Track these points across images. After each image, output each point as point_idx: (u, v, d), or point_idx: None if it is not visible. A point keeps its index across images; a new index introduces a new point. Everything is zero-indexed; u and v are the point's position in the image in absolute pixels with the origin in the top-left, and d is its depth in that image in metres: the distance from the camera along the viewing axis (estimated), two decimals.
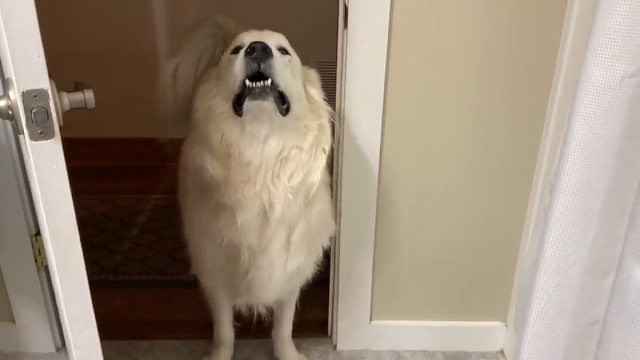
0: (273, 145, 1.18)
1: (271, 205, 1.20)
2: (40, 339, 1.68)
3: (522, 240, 1.62)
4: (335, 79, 1.48)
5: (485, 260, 1.66)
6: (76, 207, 0.83)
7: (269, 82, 1.11)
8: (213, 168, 1.18)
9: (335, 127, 1.49)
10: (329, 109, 1.27)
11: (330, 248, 1.53)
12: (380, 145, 1.48)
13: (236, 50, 1.19)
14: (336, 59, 1.46)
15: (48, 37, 0.78)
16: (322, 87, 1.32)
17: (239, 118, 1.16)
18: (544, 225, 1.19)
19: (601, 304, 1.10)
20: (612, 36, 0.96)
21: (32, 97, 0.74)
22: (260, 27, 1.30)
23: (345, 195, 1.54)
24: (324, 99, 1.28)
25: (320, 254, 1.42)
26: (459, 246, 1.64)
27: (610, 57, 0.96)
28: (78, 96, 0.82)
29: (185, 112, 1.62)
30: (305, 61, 2.56)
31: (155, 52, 2.56)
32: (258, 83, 1.11)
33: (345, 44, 1.37)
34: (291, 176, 1.19)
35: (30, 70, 0.74)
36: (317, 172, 1.23)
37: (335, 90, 1.48)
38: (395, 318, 1.73)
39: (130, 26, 2.54)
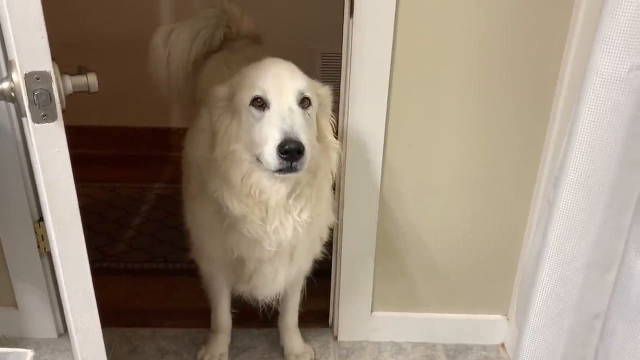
0: (289, 186, 1.21)
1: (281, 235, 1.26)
2: (42, 325, 1.69)
3: (526, 234, 1.61)
4: (340, 71, 1.47)
5: (487, 253, 1.65)
6: (79, 195, 0.83)
7: (301, 165, 1.11)
8: (232, 205, 1.22)
9: (339, 120, 1.49)
10: (338, 145, 1.29)
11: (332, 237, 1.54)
12: (385, 137, 1.48)
13: (256, 103, 1.15)
14: (341, 51, 1.45)
15: (52, 27, 0.77)
16: (328, 80, 1.33)
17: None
18: (548, 218, 1.18)
19: (603, 298, 1.09)
20: (620, 28, 0.95)
21: (34, 79, 0.74)
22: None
23: (348, 187, 1.53)
24: (334, 132, 1.30)
25: (320, 247, 1.47)
26: (461, 239, 1.63)
27: (618, 48, 0.95)
28: (81, 79, 0.82)
29: (179, 87, 1.79)
30: (311, 53, 2.55)
31: None
32: (289, 171, 1.12)
33: (351, 33, 1.36)
34: (301, 211, 1.24)
35: (33, 52, 0.74)
36: (323, 202, 1.29)
37: (340, 81, 1.47)
38: (396, 310, 1.73)
39: (135, 14, 2.54)
